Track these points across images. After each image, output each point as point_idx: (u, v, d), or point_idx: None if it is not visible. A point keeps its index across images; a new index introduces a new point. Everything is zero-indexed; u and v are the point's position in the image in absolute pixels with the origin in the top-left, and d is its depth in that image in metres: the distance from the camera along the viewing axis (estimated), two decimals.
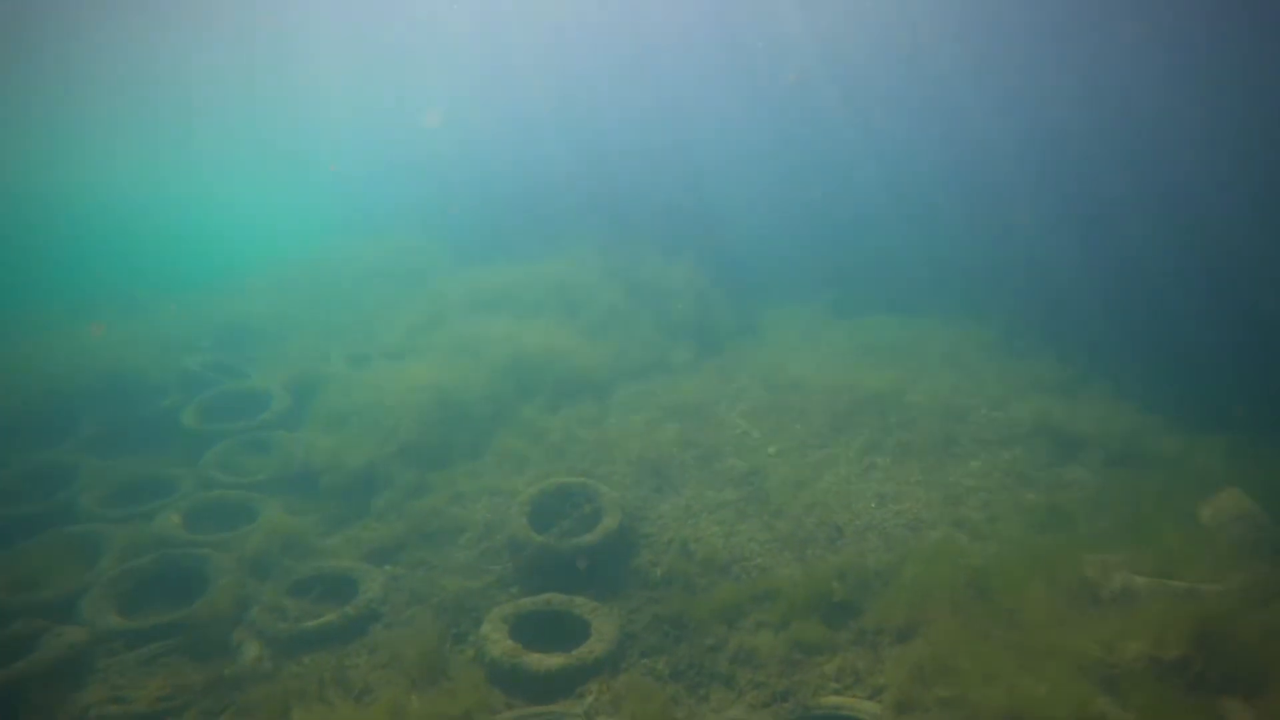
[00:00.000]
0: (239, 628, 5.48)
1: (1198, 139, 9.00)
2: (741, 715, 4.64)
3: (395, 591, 5.90)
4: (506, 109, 16.37)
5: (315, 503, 7.26)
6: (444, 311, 11.46)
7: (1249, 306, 8.45)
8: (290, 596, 5.81)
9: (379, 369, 9.58)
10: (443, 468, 7.62)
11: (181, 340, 10.52)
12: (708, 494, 7.04)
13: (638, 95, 14.88)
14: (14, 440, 7.94)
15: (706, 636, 5.35)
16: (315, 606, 5.75)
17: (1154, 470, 6.61)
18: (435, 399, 8.30)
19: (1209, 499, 5.55)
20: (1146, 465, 6.74)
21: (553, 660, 4.98)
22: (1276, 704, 3.73)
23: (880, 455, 7.49)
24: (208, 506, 6.97)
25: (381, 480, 7.38)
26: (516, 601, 5.54)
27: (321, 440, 7.84)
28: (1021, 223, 10.65)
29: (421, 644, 5.17)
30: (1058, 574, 4.83)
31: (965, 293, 11.01)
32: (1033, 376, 8.71)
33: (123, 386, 8.81)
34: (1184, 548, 4.85)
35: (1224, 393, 7.70)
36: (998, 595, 4.91)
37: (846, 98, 12.69)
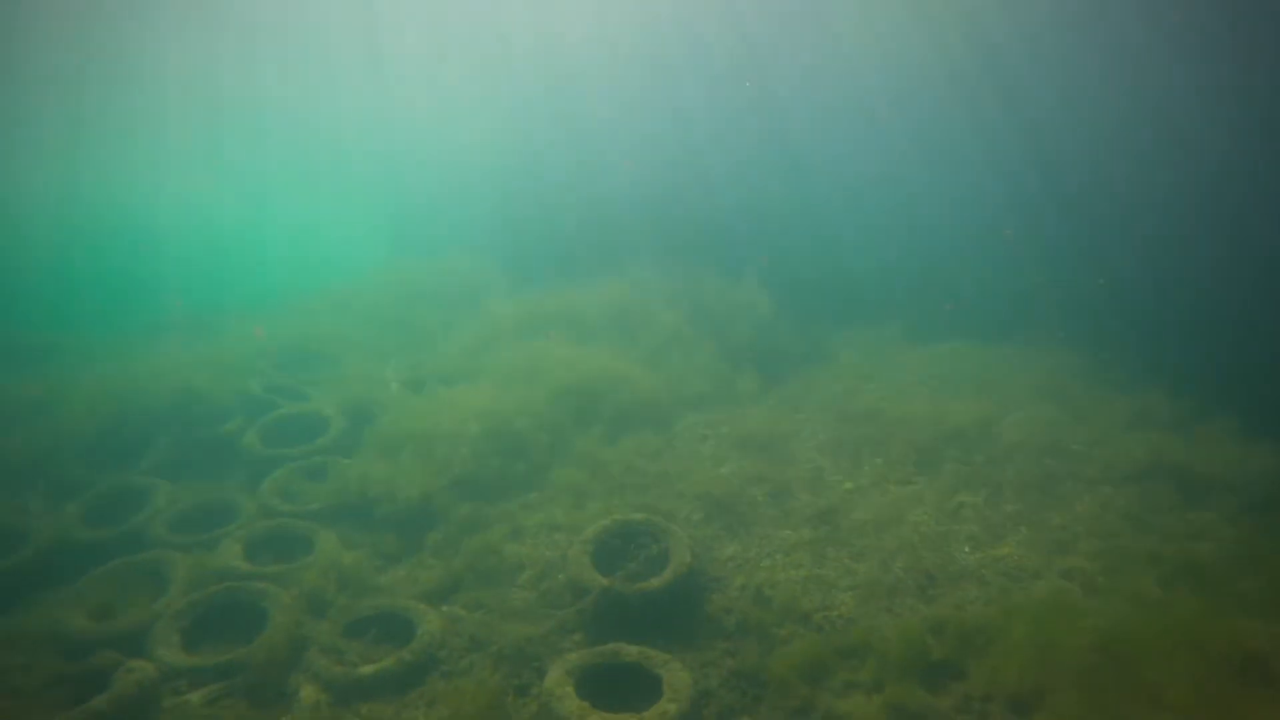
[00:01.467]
0: (297, 670, 5.24)
1: None
2: None
3: (453, 635, 5.59)
4: (566, 127, 16.30)
5: (371, 534, 7.06)
6: (499, 334, 11.30)
7: None
8: (346, 637, 5.57)
9: (434, 394, 9.42)
10: (499, 500, 7.33)
11: (244, 362, 10.62)
12: (782, 533, 6.54)
13: (702, 115, 14.62)
14: (95, 462, 8.15)
15: (790, 697, 4.86)
16: (372, 649, 5.48)
17: None
18: (490, 427, 8.06)
19: None
20: None
21: None
22: None
23: (971, 494, 6.87)
24: (267, 535, 6.87)
25: (437, 512, 7.13)
26: (582, 652, 5.14)
27: (377, 469, 7.67)
28: (1119, 244, 9.86)
29: (482, 698, 4.83)
30: (1208, 643, 4.17)
31: (1047, 318, 10.27)
32: (1139, 409, 7.92)
33: (191, 409, 8.92)
34: None
35: None
36: (1133, 665, 4.28)
37: (914, 121, 12.17)
